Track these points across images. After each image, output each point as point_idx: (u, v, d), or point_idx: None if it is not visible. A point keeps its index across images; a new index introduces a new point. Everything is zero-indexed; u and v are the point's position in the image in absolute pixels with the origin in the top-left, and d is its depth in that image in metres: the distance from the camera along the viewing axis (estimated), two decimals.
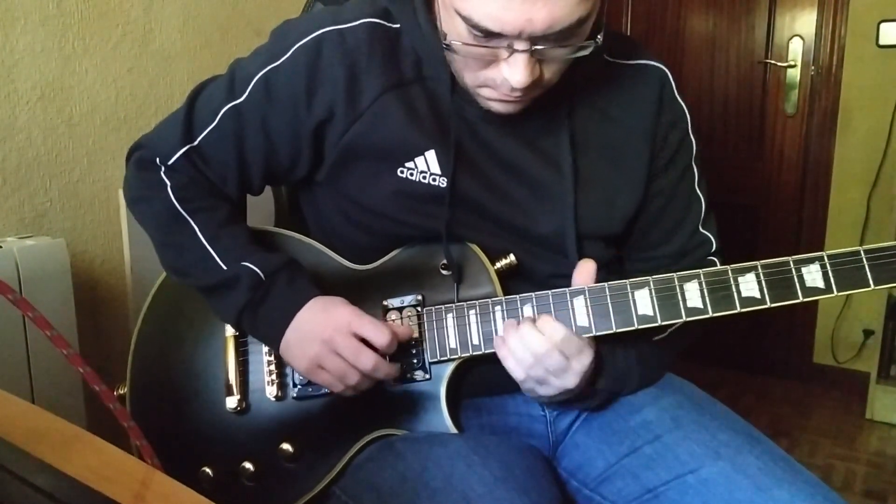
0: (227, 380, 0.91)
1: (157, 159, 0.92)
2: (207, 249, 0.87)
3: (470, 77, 0.82)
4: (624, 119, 0.92)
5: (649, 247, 0.98)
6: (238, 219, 0.94)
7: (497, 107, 0.83)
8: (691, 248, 0.98)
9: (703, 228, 0.98)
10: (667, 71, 0.95)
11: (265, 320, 0.86)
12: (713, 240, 0.99)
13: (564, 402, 0.88)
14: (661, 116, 0.93)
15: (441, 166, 0.87)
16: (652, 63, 0.95)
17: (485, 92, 0.82)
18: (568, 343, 0.81)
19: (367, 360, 0.82)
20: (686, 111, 0.96)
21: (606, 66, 0.93)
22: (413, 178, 0.88)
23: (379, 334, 0.82)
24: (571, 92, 0.89)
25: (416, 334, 0.88)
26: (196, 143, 0.90)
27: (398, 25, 0.88)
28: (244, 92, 0.89)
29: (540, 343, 0.80)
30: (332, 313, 0.84)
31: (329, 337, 0.82)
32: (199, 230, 0.88)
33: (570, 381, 0.82)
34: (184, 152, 0.90)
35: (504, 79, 0.78)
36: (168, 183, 0.90)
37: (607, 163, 0.92)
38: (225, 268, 0.86)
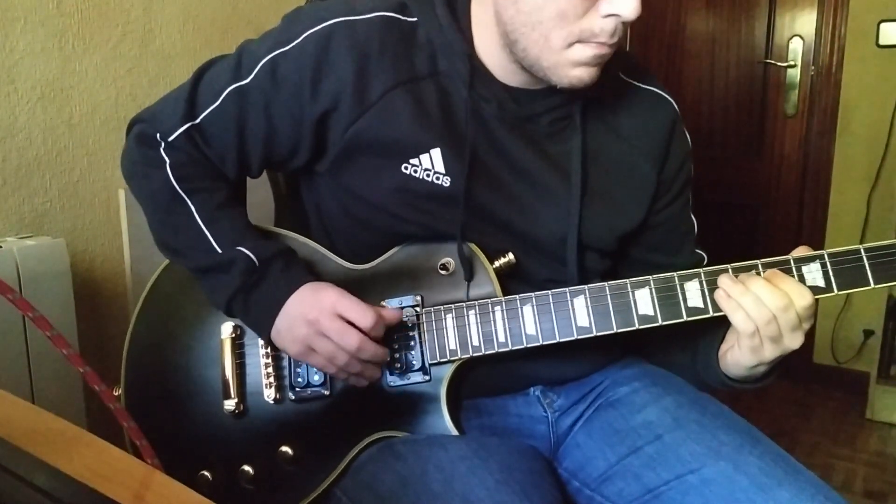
0: (225, 382, 0.90)
1: (158, 135, 0.90)
2: (203, 231, 0.87)
3: (561, 36, 0.79)
4: (632, 139, 0.93)
5: (648, 270, 0.98)
6: (235, 203, 0.93)
7: (582, 73, 0.82)
8: (687, 267, 0.99)
9: (697, 249, 1.01)
10: (675, 106, 0.97)
11: (256, 306, 0.86)
12: (704, 256, 1.01)
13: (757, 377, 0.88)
14: (670, 152, 0.95)
15: (445, 165, 0.87)
16: (664, 95, 0.97)
17: (576, 52, 0.80)
18: (809, 309, 0.81)
19: (352, 340, 0.82)
20: (690, 142, 0.99)
21: (619, 83, 0.94)
22: (417, 175, 0.87)
23: (362, 316, 0.82)
24: (584, 102, 0.89)
25: (410, 325, 0.88)
26: (198, 121, 0.89)
27: (415, 19, 0.88)
28: (250, 74, 0.88)
29: (777, 298, 0.79)
30: (319, 295, 0.84)
31: (314, 318, 0.82)
32: (196, 211, 0.88)
33: (798, 341, 0.82)
34: (184, 130, 0.89)
35: (609, 16, 0.77)
36: (167, 160, 0.89)
37: (613, 178, 0.92)
38: (220, 251, 0.86)
